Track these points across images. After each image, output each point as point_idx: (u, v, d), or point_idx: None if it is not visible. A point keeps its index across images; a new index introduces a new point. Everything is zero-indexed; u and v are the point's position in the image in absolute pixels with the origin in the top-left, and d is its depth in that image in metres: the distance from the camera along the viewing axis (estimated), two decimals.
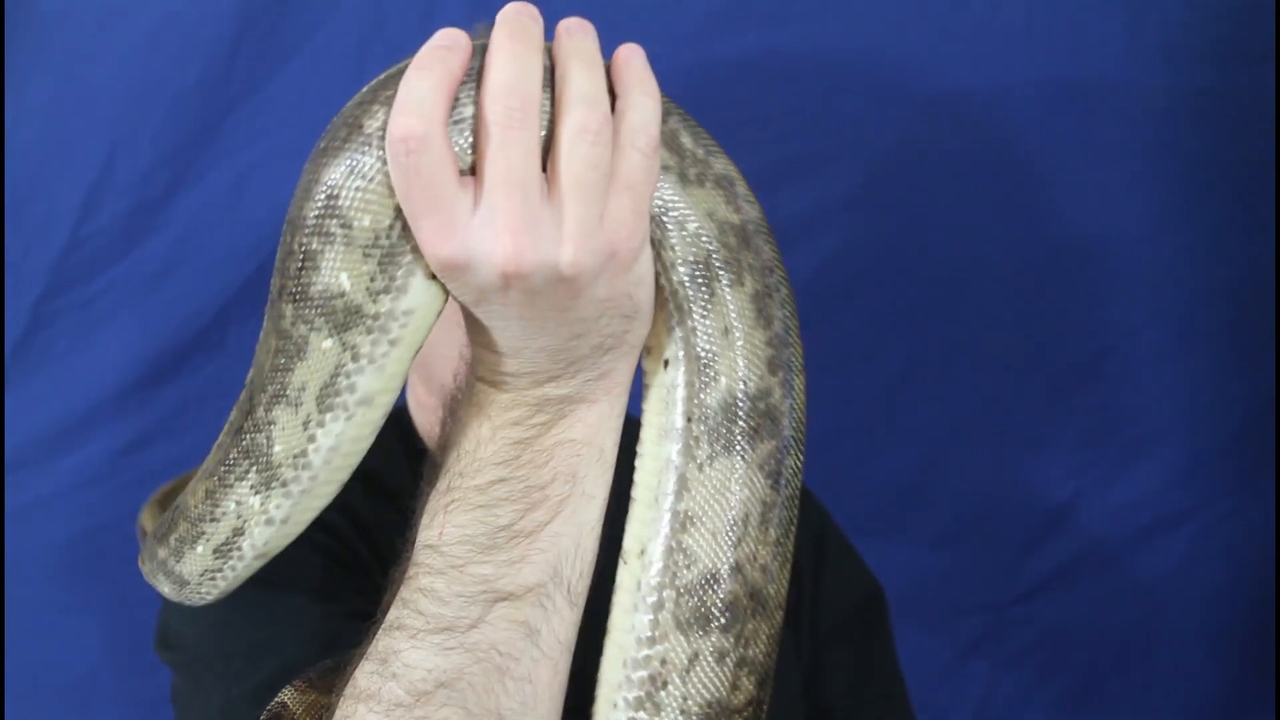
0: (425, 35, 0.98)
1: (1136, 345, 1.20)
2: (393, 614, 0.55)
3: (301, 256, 0.50)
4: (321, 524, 0.74)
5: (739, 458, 0.51)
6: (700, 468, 0.52)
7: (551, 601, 0.54)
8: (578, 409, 0.54)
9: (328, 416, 0.53)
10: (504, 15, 0.49)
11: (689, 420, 0.52)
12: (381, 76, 0.50)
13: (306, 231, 0.49)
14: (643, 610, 0.52)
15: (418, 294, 0.51)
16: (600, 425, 0.55)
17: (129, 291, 1.09)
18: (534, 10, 0.50)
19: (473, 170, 0.48)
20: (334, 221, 0.49)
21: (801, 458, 0.54)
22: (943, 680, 1.22)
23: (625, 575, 0.54)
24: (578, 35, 0.50)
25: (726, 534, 0.51)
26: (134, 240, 1.09)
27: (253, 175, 1.10)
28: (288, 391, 0.53)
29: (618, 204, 0.49)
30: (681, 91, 1.13)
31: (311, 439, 0.54)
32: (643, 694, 0.52)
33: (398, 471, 0.82)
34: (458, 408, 0.57)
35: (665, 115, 0.51)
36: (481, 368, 0.54)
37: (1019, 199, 1.18)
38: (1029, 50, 1.15)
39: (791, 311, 0.53)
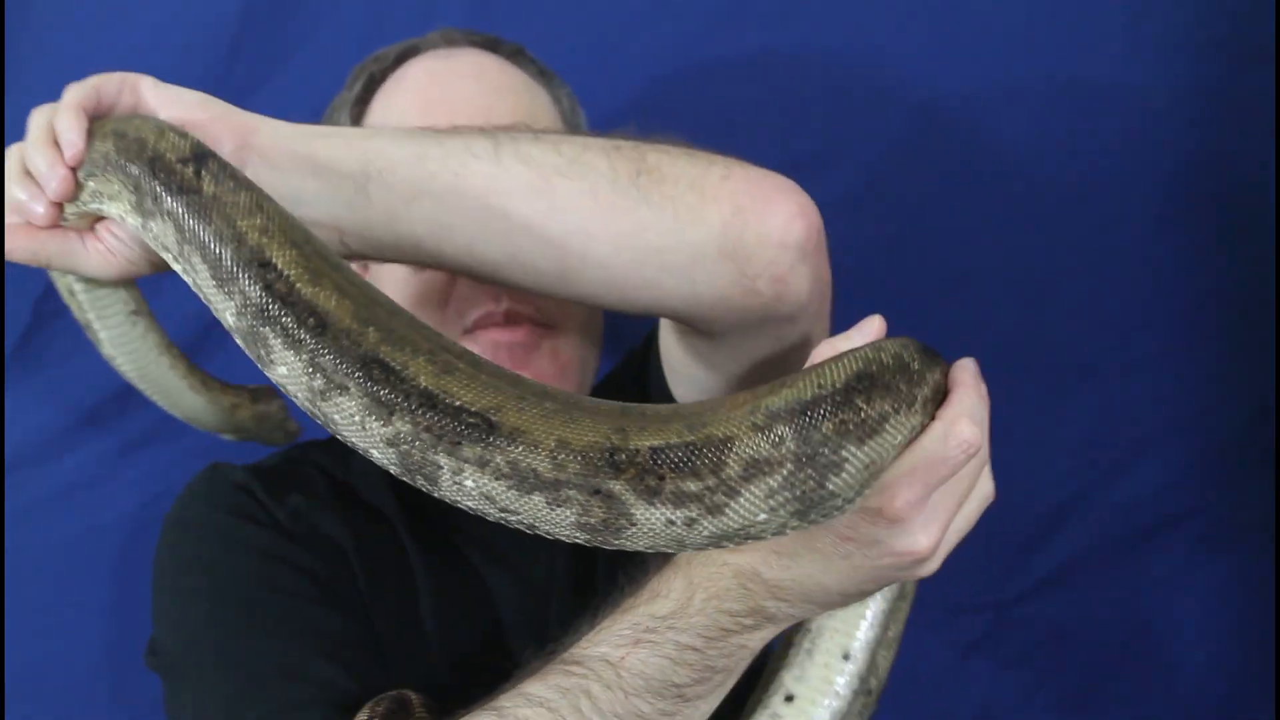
0: (426, 34, 0.97)
1: (1136, 345, 1.20)
2: (542, 690, 0.61)
3: None
4: (308, 548, 0.78)
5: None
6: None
7: None
8: (768, 627, 0.63)
9: None
10: (972, 368, 0.64)
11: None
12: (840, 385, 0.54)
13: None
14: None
15: None
16: (767, 640, 0.64)
17: None
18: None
19: None
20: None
21: None
22: (943, 680, 1.22)
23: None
24: (976, 369, 0.64)
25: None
26: None
27: None
28: None
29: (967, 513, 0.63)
30: (682, 91, 1.13)
31: None
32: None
33: (375, 486, 0.84)
34: (686, 564, 0.64)
35: None
36: (745, 562, 0.61)
37: (1019, 199, 1.18)
38: (1029, 50, 1.15)
39: None
